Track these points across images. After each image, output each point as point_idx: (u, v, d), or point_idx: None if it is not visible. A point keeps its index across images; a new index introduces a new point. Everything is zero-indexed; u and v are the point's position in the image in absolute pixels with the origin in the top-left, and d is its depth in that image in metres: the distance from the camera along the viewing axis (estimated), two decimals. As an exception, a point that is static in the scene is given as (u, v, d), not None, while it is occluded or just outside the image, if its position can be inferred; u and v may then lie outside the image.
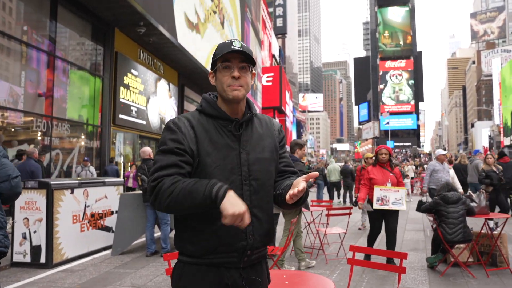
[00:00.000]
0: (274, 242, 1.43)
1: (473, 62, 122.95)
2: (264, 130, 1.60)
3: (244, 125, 1.54)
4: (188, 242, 1.47)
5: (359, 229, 8.56)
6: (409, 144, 76.51)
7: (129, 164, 13.37)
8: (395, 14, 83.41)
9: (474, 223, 8.46)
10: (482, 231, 5.44)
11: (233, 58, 1.49)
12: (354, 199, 12.43)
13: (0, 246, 2.33)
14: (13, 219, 5.58)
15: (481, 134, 78.27)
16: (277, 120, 1.69)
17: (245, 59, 1.50)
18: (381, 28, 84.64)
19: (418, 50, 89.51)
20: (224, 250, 1.44)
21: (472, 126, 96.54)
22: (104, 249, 6.45)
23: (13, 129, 8.78)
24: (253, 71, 1.56)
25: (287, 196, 1.39)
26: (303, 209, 5.80)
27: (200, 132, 1.48)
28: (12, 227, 5.56)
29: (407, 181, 16.22)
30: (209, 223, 1.44)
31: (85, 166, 10.24)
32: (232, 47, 1.47)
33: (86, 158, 10.40)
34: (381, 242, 7.18)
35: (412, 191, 17.12)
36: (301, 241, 5.36)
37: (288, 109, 43.82)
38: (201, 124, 1.51)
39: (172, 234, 6.81)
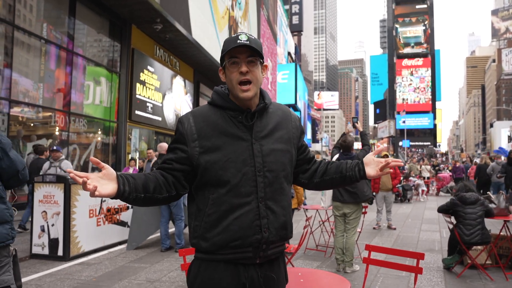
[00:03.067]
0: (292, 236, 1.45)
1: (493, 61, 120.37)
2: (278, 120, 1.56)
3: (257, 115, 1.50)
4: (201, 238, 1.44)
5: (374, 228, 8.48)
6: (428, 143, 75.35)
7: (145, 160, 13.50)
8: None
9: (493, 225, 8.31)
10: (501, 233, 5.33)
11: (240, 52, 1.44)
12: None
13: (8, 238, 2.40)
14: (32, 213, 5.70)
15: (500, 134, 76.64)
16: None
17: (253, 53, 1.46)
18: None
19: (436, 48, 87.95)
20: (238, 245, 1.41)
21: (491, 126, 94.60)
22: (120, 243, 6.53)
23: (32, 124, 8.95)
24: (264, 63, 1.52)
25: (380, 169, 1.54)
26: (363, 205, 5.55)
27: (206, 127, 1.46)
28: (32, 222, 5.68)
29: (421, 182, 16.02)
30: (221, 218, 1.42)
31: (55, 160, 6.89)
32: (238, 41, 1.43)
33: (55, 147, 7.07)
34: (395, 242, 7.11)
35: (428, 192, 16.88)
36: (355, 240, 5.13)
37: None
38: (209, 117, 1.48)
39: (187, 230, 6.86)
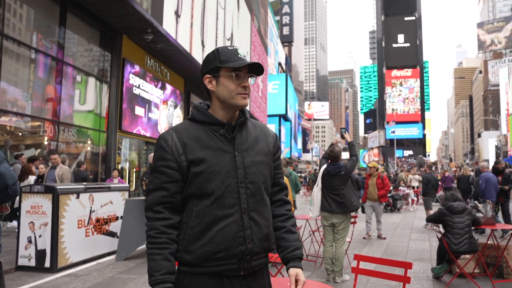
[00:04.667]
0: (274, 248, 1.48)
1: (480, 72, 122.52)
2: (257, 134, 1.60)
3: (238, 129, 1.53)
4: (185, 251, 1.44)
5: (364, 238, 8.51)
6: (421, 156, 76.05)
7: (134, 170, 13.42)
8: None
9: (480, 234, 8.39)
10: (489, 242, 5.39)
11: (241, 68, 1.49)
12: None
13: None
14: (18, 222, 5.62)
15: (488, 144, 77.77)
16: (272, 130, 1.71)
17: (252, 70, 1.52)
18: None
19: (424, 59, 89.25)
20: (222, 256, 1.42)
21: (479, 136, 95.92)
22: (109, 254, 6.46)
23: (20, 134, 8.86)
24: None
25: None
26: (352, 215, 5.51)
27: (189, 141, 1.47)
28: (18, 233, 5.59)
29: (410, 191, 16.14)
30: (205, 230, 1.43)
31: None
32: (239, 55, 1.49)
33: None
34: (385, 251, 7.13)
35: (417, 201, 17.00)
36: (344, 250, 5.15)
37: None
38: (191, 132, 1.50)
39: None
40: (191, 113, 1.57)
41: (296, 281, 1.53)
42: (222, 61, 1.49)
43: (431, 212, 10.06)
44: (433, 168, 12.63)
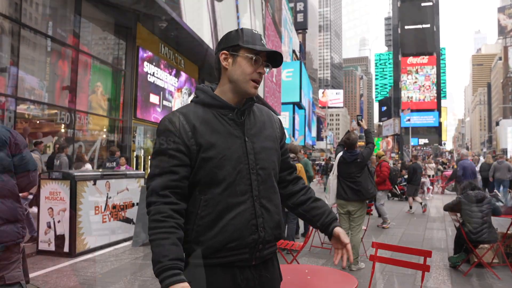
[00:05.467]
0: (285, 236, 1.46)
1: (500, 58, 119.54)
2: (264, 119, 1.55)
3: (246, 113, 1.48)
4: (194, 242, 1.37)
5: (378, 226, 8.46)
6: (436, 144, 75.02)
7: (149, 157, 13.54)
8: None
9: (500, 224, 8.26)
10: (509, 231, 5.29)
11: (261, 54, 1.45)
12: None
13: (18, 237, 2.38)
14: (38, 207, 5.73)
15: (506, 133, 76.26)
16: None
17: (269, 60, 1.48)
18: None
19: (441, 46, 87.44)
20: (234, 246, 1.36)
21: (497, 124, 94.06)
22: (125, 240, 6.56)
23: (38, 122, 8.99)
24: None
25: (343, 262, 1.53)
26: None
27: (198, 125, 1.40)
28: (38, 219, 5.70)
29: (426, 180, 15.95)
30: (216, 219, 1.36)
31: None
32: (261, 41, 1.45)
33: None
34: (400, 240, 7.08)
35: (433, 190, 16.82)
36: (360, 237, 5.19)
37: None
38: (199, 115, 1.42)
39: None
40: (196, 95, 1.49)
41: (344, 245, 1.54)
42: (244, 41, 1.44)
43: (410, 198, 10.95)
44: (419, 158, 14.28)
